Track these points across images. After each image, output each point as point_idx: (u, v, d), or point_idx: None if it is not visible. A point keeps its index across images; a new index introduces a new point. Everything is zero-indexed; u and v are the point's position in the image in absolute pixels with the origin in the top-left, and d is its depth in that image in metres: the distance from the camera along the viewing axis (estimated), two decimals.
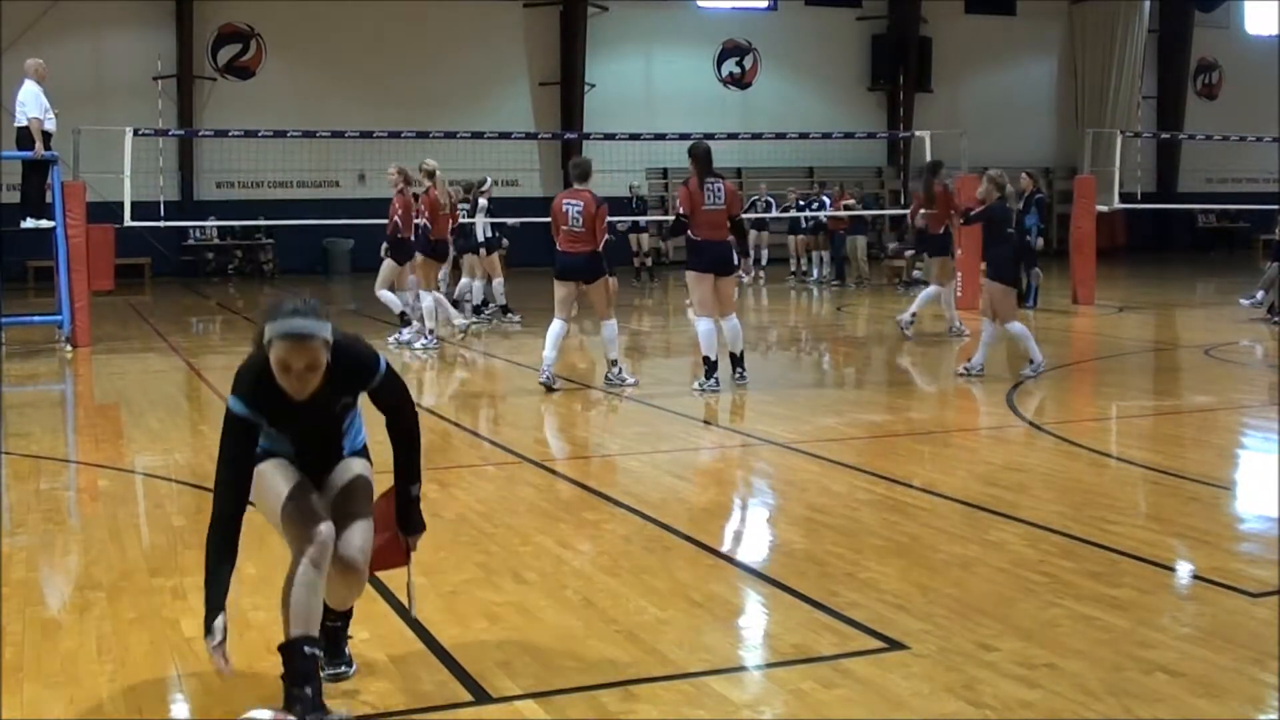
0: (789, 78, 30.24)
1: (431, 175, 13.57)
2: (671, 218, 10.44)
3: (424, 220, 13.49)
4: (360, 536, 3.93)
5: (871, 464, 7.56)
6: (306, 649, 3.74)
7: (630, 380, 10.54)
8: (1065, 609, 4.74)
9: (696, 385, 10.29)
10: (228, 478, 3.77)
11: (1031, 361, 10.74)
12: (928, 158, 19.66)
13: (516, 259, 20.10)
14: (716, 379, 10.26)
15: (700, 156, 10.14)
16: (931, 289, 14.27)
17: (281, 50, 26.28)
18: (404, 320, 14.20)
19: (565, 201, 10.31)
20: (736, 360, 10.52)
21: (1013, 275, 10.90)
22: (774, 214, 24.21)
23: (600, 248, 10.25)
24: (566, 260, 10.35)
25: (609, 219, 10.48)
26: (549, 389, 10.28)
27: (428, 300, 13.68)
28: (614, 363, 10.59)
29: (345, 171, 25.12)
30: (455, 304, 16.99)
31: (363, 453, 4.14)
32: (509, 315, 16.22)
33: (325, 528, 3.81)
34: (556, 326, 10.42)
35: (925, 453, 8.43)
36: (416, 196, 13.68)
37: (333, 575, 3.87)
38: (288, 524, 3.86)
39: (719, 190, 10.10)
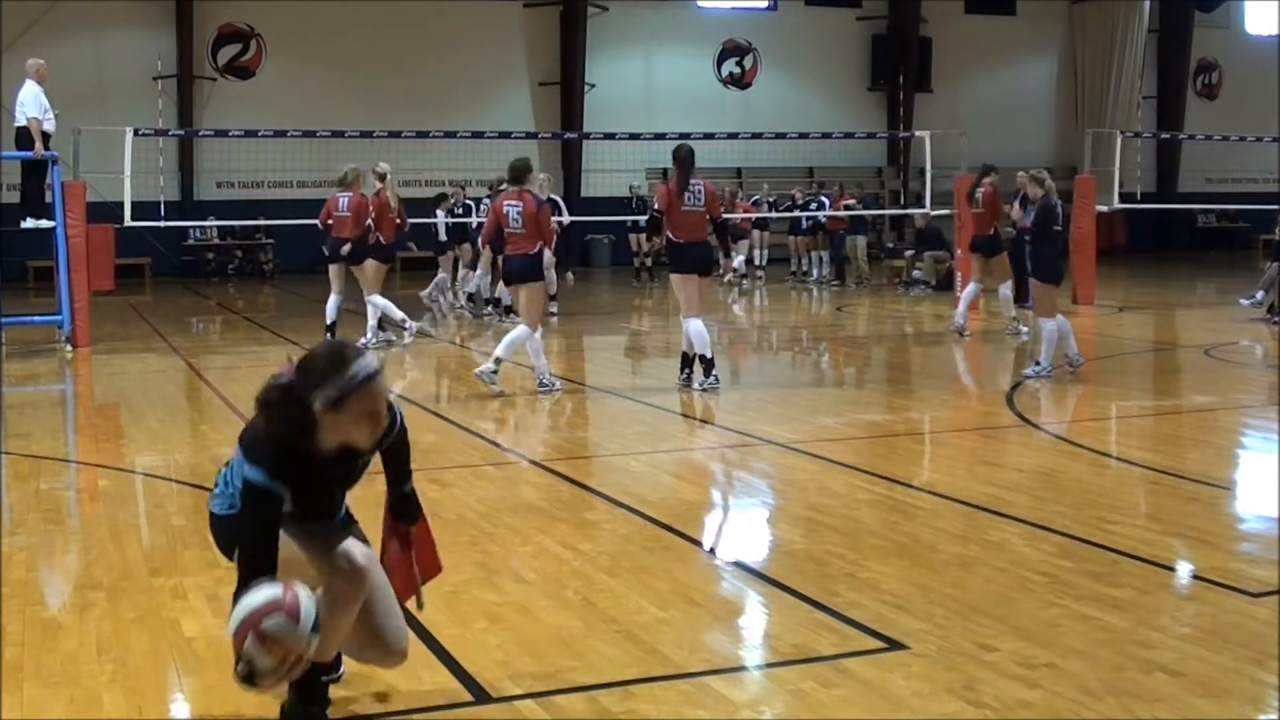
0: (789, 78, 30.23)
1: (383, 178, 13.56)
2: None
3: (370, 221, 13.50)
4: (404, 626, 3.92)
5: (871, 464, 7.57)
6: (324, 677, 3.83)
7: (496, 387, 10.16)
8: (1065, 609, 4.74)
9: (697, 385, 10.28)
10: (254, 556, 3.49)
11: (1038, 363, 10.77)
12: (928, 158, 19.72)
13: None
14: (716, 376, 10.25)
15: (683, 159, 10.20)
16: (1004, 289, 14.38)
17: (281, 50, 26.28)
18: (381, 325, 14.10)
19: (505, 203, 10.22)
20: (687, 361, 10.48)
21: (1053, 274, 10.99)
22: (774, 214, 24.15)
23: (543, 248, 10.15)
24: (507, 264, 10.47)
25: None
26: (550, 390, 10.28)
27: (380, 302, 13.73)
28: (499, 360, 10.17)
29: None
30: (470, 298, 16.95)
31: (351, 518, 3.95)
32: (512, 315, 16.25)
33: (361, 558, 3.71)
34: (522, 332, 10.24)
35: (925, 453, 8.45)
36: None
37: (374, 656, 3.89)
38: (307, 556, 3.71)
39: (699, 192, 10.14)
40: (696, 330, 10.18)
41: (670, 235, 10.19)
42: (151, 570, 5.47)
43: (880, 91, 31.06)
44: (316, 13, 25.96)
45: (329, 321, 13.86)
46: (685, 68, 29.37)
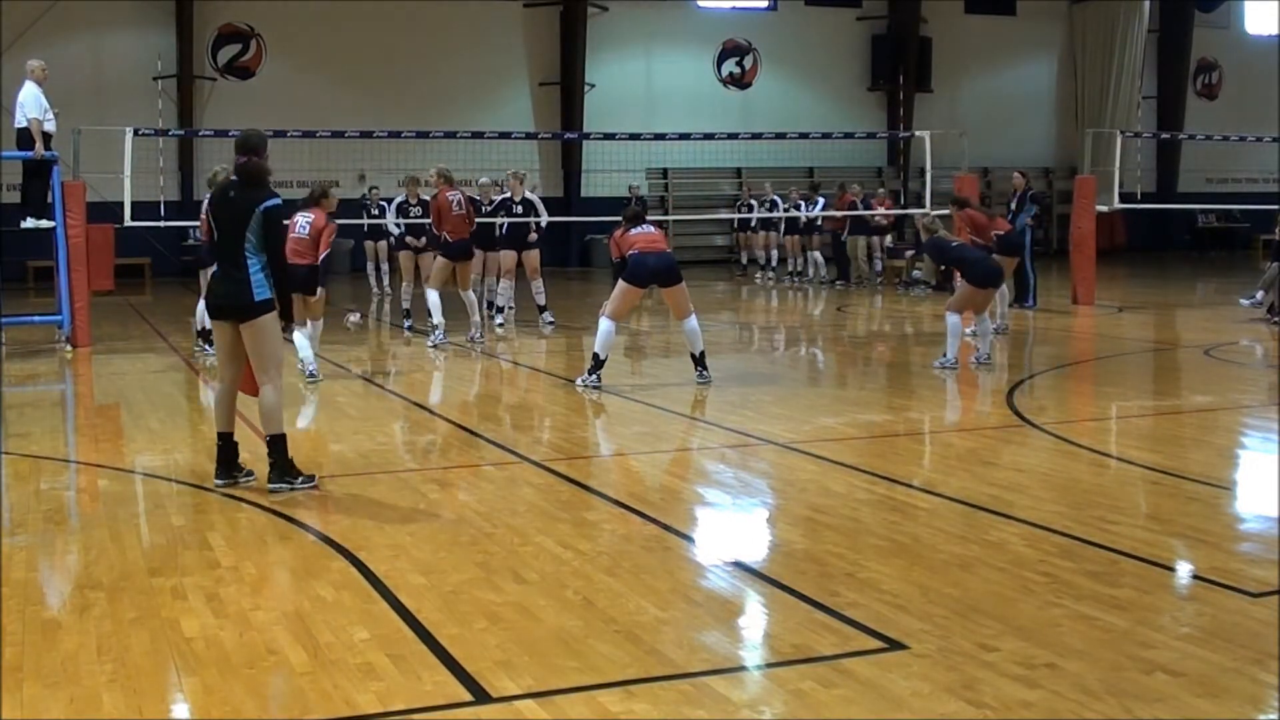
0: (789, 78, 30.22)
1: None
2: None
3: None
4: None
5: (871, 464, 7.57)
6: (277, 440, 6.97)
7: (316, 379, 10.99)
8: (1065, 609, 4.74)
9: (579, 381, 10.65)
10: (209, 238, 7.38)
11: (945, 355, 11.24)
12: (928, 158, 19.73)
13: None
14: (599, 376, 10.53)
15: (628, 218, 10.96)
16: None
17: (281, 50, 26.27)
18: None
19: (298, 214, 11.14)
20: (697, 360, 10.80)
21: (985, 278, 11.38)
22: (775, 214, 24.05)
23: (318, 261, 11.01)
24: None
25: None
26: (314, 380, 10.82)
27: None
28: (308, 365, 11.01)
29: (345, 171, 25.05)
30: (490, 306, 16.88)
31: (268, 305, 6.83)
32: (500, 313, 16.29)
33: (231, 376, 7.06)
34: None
35: (925, 453, 8.44)
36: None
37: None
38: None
39: (648, 228, 10.85)
40: (604, 330, 10.56)
41: (629, 252, 10.64)
42: (151, 570, 5.47)
43: (880, 91, 31.04)
44: (316, 13, 25.95)
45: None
46: (685, 68, 29.35)
